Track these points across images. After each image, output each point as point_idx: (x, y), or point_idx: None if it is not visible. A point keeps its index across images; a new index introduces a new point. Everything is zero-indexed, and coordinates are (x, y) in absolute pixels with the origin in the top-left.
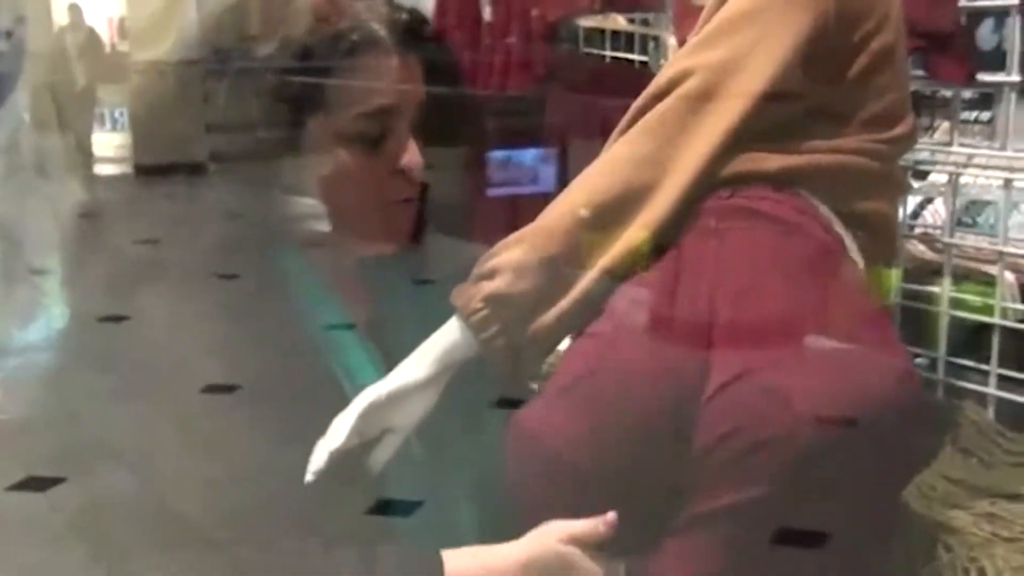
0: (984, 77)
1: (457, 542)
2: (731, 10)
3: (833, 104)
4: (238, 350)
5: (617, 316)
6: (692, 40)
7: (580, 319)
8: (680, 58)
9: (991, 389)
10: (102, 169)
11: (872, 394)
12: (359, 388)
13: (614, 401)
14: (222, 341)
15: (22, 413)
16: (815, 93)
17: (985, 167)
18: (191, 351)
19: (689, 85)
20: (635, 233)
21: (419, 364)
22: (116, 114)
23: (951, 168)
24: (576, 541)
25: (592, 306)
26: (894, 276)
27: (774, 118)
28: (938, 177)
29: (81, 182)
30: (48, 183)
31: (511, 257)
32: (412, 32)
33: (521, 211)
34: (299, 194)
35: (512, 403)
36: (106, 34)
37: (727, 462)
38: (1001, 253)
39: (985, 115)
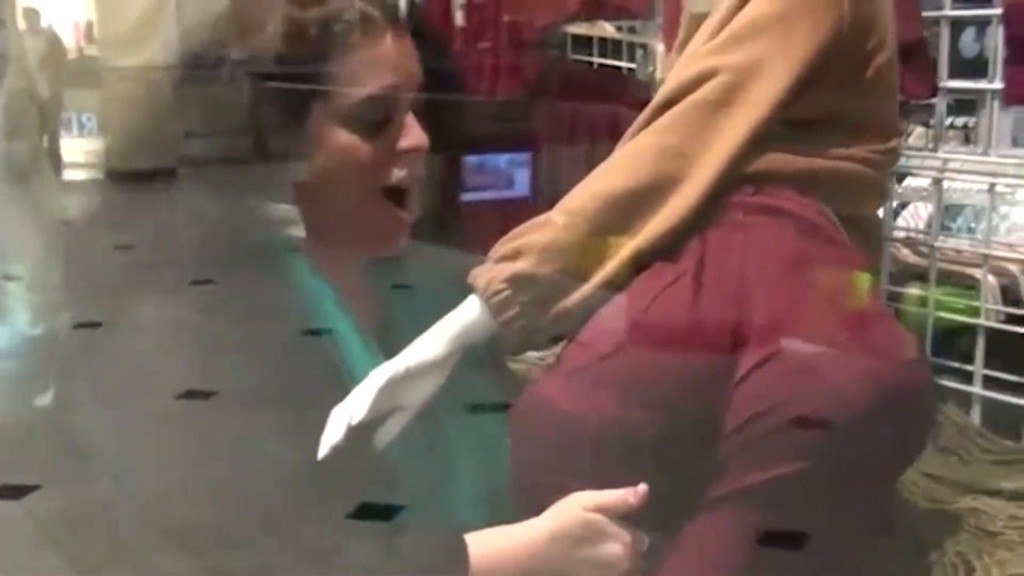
0: (967, 84)
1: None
2: (753, 14)
3: (846, 112)
4: (214, 356)
5: (641, 300)
6: (710, 42)
7: (602, 304)
8: (702, 57)
9: (976, 389)
10: (71, 175)
11: (892, 377)
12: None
13: (644, 377)
14: (198, 347)
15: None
16: (831, 99)
17: (969, 172)
18: (167, 357)
19: (714, 84)
20: (661, 222)
21: (434, 342)
22: (84, 119)
23: (934, 173)
24: (604, 510)
25: (615, 292)
26: (875, 279)
27: (794, 122)
28: (915, 181)
29: (51, 188)
30: (17, 189)
31: (535, 239)
32: (406, 12)
33: (497, 216)
34: (274, 200)
35: (484, 408)
36: (72, 39)
37: (756, 442)
38: (985, 256)
39: (960, 120)
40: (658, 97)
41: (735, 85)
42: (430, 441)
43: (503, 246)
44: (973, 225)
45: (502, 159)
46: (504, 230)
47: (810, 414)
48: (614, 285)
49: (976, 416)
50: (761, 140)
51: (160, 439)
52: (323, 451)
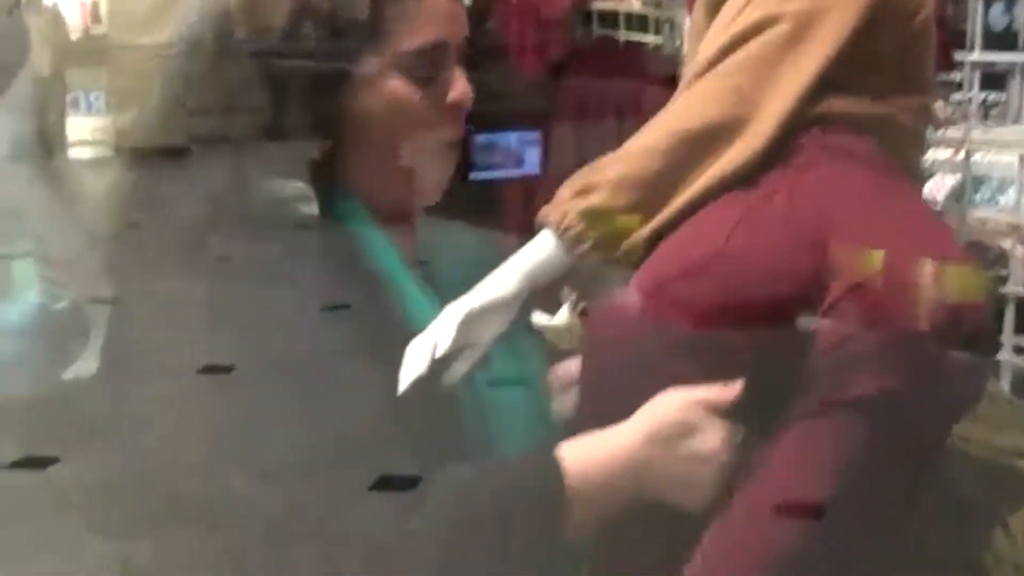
0: (997, 57)
1: None
2: None
3: (896, 61)
4: (232, 331)
5: (723, 226)
6: None
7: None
8: (761, 6)
9: (1006, 357)
10: (78, 153)
11: (973, 309)
12: (420, 331)
13: (731, 297)
14: (216, 322)
15: (15, 394)
16: (884, 47)
17: (999, 143)
18: (184, 332)
19: (777, 30)
20: (733, 157)
21: (506, 280)
22: (92, 98)
23: (961, 145)
24: (700, 405)
25: (680, 225)
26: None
27: (851, 67)
28: (939, 154)
29: (60, 167)
30: (26, 168)
31: (609, 174)
32: None
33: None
34: (286, 177)
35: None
36: (79, 18)
37: (852, 358)
38: (1015, 226)
39: (981, 96)
40: (716, 44)
41: (799, 30)
42: (470, 408)
43: (574, 182)
44: (998, 197)
45: (512, 137)
46: (513, 208)
47: (898, 338)
48: (684, 219)
49: (1006, 384)
50: (825, 84)
51: (181, 413)
52: (404, 384)
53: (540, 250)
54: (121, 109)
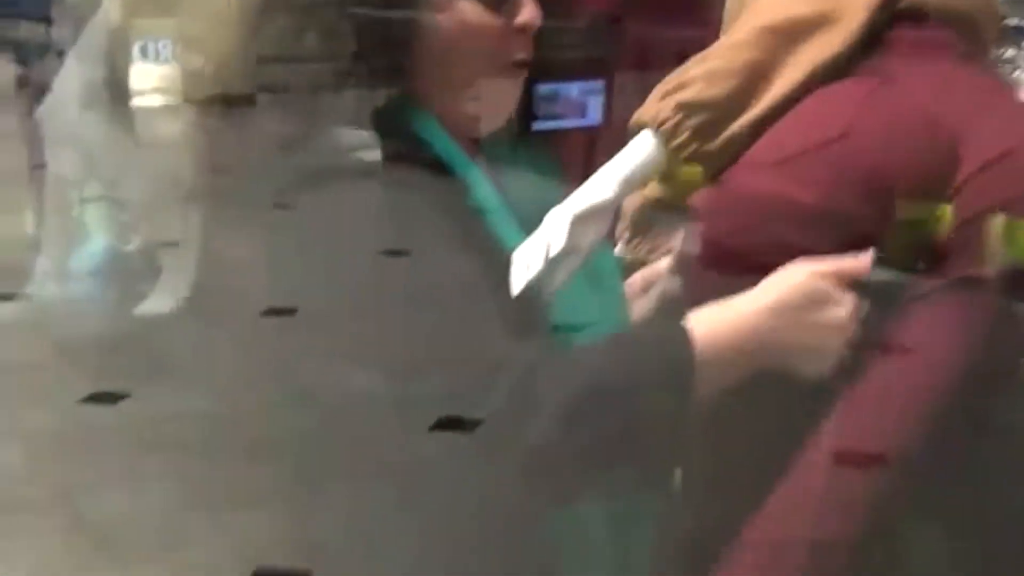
0: None
1: None
2: None
3: None
4: (297, 276)
5: (838, 107)
6: None
7: (770, 127)
8: None
9: None
10: (143, 101)
11: None
12: (510, 254)
13: (854, 175)
14: (280, 267)
15: (87, 332)
16: None
17: None
18: (251, 277)
19: None
20: (830, 45)
21: (605, 184)
22: (160, 46)
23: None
24: (830, 275)
25: (782, 115)
26: None
27: None
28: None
29: (132, 114)
30: (99, 115)
31: (699, 70)
32: None
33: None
34: (351, 125)
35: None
36: None
37: (981, 236)
38: None
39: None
40: None
41: None
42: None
43: (665, 84)
44: None
45: (574, 87)
46: (576, 160)
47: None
48: (783, 108)
49: None
50: None
51: (245, 353)
52: (519, 286)
53: (636, 153)
54: (189, 58)
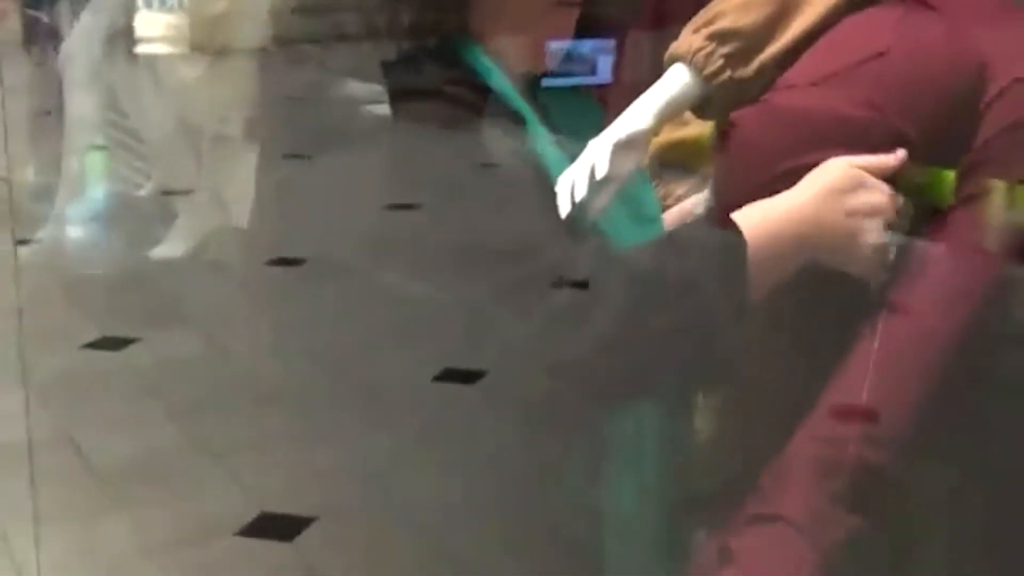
0: None
1: None
2: None
3: None
4: (307, 227)
5: (877, 28)
6: None
7: (802, 53)
8: None
9: None
10: (148, 48)
11: None
12: (556, 179)
13: (894, 89)
14: (289, 218)
15: (97, 277)
16: None
17: None
18: (257, 224)
19: None
20: None
21: (641, 114)
22: None
23: None
24: (867, 167)
25: (813, 42)
26: None
27: None
28: None
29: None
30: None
31: (732, 2)
32: None
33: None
34: (363, 79)
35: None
36: None
37: (1010, 149)
38: None
39: None
40: None
41: None
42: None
43: (697, 19)
44: None
45: (586, 44)
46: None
47: None
48: (814, 35)
49: None
50: None
51: (251, 302)
52: (566, 208)
53: (671, 84)
54: (201, 8)
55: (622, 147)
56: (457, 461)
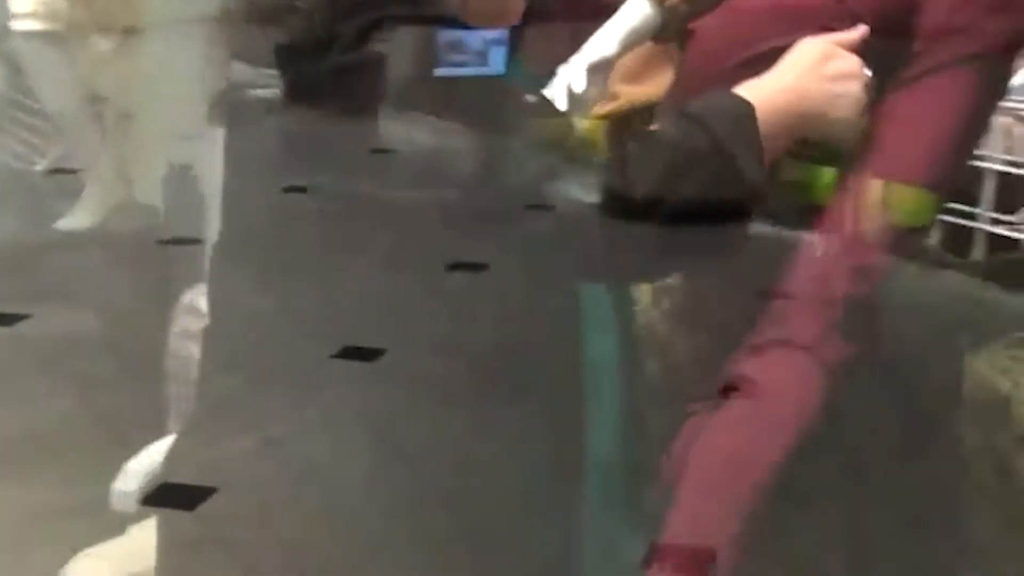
0: None
1: None
2: None
3: None
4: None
5: None
6: None
7: None
8: None
9: None
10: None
11: None
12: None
13: None
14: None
15: None
16: None
17: None
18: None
19: None
20: None
21: (606, 42)
22: None
23: None
24: (834, 42)
25: None
26: None
27: None
28: None
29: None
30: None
31: None
32: None
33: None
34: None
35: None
36: None
37: (958, 29)
38: None
39: None
40: None
41: None
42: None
43: None
44: None
45: (478, 36)
46: (474, 104)
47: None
48: None
49: None
50: None
51: (145, 279)
52: (561, 105)
53: (633, 13)
54: None
55: (591, 71)
56: (356, 435)
